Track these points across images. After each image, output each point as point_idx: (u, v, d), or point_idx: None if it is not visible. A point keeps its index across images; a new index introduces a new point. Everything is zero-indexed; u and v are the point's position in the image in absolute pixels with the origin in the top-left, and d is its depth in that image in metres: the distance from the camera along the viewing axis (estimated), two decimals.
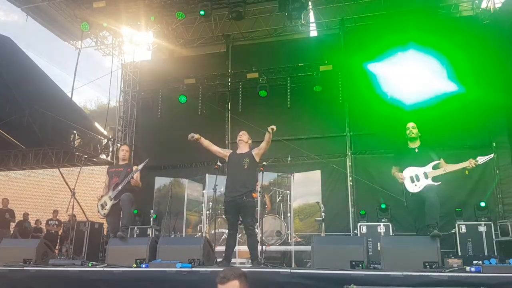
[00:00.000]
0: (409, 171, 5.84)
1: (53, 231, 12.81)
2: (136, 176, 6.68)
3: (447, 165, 5.76)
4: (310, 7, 11.89)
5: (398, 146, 6.32)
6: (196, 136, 6.18)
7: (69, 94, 13.05)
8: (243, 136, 6.20)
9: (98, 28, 12.51)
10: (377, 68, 10.94)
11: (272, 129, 5.75)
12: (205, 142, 6.29)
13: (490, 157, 5.69)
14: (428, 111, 10.28)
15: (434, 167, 5.75)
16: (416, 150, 5.98)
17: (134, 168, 6.75)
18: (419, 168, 5.80)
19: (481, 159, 5.61)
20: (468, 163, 5.59)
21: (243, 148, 6.17)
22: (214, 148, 6.36)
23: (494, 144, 10.36)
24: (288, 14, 10.30)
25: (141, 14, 10.67)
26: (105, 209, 6.81)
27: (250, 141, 6.24)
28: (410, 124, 6.05)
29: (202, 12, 10.18)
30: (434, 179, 5.69)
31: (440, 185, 5.73)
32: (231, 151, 6.38)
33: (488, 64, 10.40)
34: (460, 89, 10.42)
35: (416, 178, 5.77)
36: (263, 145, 6.02)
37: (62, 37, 13.79)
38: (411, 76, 10.56)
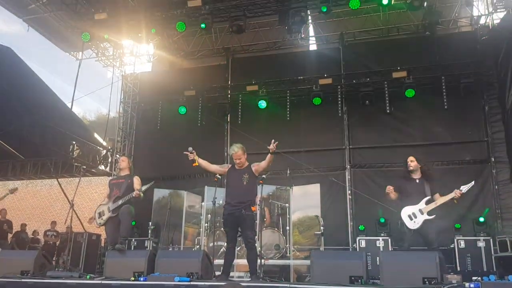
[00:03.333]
0: (407, 210, 6.36)
1: (51, 242, 12.76)
2: (138, 186, 6.70)
3: (438, 198, 6.31)
4: (310, 21, 11.99)
5: (402, 174, 6.75)
6: (194, 155, 6.13)
7: (69, 105, 13.07)
8: (242, 158, 6.10)
9: (99, 40, 12.56)
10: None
11: (273, 149, 5.76)
12: (203, 163, 6.28)
13: (472, 185, 6.18)
14: (429, 125, 10.35)
15: (427, 202, 6.28)
16: (417, 181, 6.50)
17: (135, 181, 6.78)
18: (414, 206, 6.32)
19: (464, 188, 6.13)
20: (454, 194, 6.14)
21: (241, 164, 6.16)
22: (213, 167, 6.40)
23: (493, 159, 10.38)
24: (288, 28, 10.38)
25: (142, 26, 10.72)
26: (102, 219, 6.84)
27: (245, 155, 6.19)
28: (409, 158, 6.58)
29: (202, 25, 10.25)
30: (429, 213, 6.23)
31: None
32: (230, 165, 6.38)
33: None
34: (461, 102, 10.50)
35: (413, 216, 6.32)
36: (263, 164, 6.01)
37: (63, 48, 13.85)
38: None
